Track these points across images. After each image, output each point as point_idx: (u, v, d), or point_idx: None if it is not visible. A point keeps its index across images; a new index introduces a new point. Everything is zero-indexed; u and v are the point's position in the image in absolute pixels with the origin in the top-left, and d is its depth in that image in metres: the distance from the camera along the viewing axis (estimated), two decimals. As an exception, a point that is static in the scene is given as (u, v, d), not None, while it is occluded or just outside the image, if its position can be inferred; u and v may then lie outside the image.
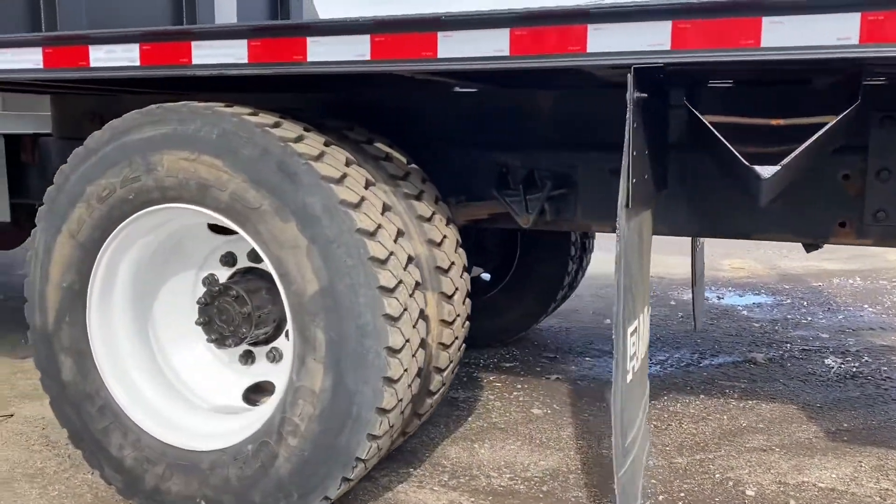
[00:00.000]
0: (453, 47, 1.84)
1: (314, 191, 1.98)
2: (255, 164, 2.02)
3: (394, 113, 2.75)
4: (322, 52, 1.94)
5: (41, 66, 2.27)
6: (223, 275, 2.48)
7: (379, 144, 2.41)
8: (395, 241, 2.08)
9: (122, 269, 2.32)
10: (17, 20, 3.22)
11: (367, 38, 1.90)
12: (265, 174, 2.01)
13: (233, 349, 2.47)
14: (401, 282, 2.04)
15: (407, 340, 2.04)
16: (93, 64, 2.20)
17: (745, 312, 5.15)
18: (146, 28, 2.13)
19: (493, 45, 1.80)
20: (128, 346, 2.39)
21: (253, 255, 2.42)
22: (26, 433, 3.02)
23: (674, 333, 4.59)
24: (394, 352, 1.99)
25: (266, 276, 2.41)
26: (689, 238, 3.96)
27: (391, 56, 1.90)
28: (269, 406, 2.21)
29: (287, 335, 2.41)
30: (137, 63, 2.14)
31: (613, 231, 2.82)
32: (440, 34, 1.82)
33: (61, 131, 3.45)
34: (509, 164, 2.64)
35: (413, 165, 2.47)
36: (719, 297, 5.68)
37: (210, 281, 2.46)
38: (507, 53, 1.79)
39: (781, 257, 7.31)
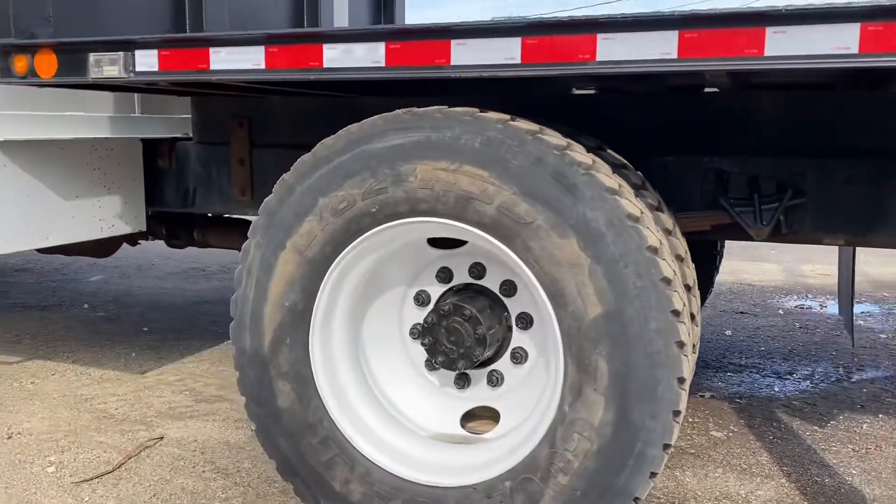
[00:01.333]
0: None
1: (597, 204, 1.79)
2: (527, 175, 1.83)
3: (596, 116, 2.57)
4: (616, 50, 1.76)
5: (262, 66, 2.08)
6: (436, 292, 2.30)
7: (611, 151, 2.23)
8: (673, 258, 1.90)
9: (345, 288, 2.14)
10: (160, 20, 3.03)
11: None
12: (539, 186, 1.82)
13: (445, 372, 2.29)
14: (684, 304, 1.85)
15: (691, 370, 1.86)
16: (326, 64, 2.01)
17: (860, 322, 4.97)
18: (394, 26, 1.94)
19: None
20: (345, 371, 2.21)
21: (476, 272, 2.24)
22: (187, 458, 2.83)
23: (803, 345, 4.40)
24: (682, 382, 1.80)
25: (488, 293, 2.24)
26: (833, 247, 3.79)
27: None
28: (517, 438, 2.02)
29: (514, 357, 2.24)
30: (382, 63, 1.95)
31: (846, 244, 2.66)
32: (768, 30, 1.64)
33: (202, 135, 3.27)
34: (730, 171, 2.46)
35: (639, 173, 2.29)
36: (822, 306, 5.50)
37: (429, 299, 2.28)
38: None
39: (862, 263, 7.12)
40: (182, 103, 3.40)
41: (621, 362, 1.80)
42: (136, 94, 3.20)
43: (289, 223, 2.09)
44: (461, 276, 2.27)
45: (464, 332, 2.12)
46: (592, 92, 2.81)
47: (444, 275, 2.28)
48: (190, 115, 3.39)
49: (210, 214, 3.66)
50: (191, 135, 3.36)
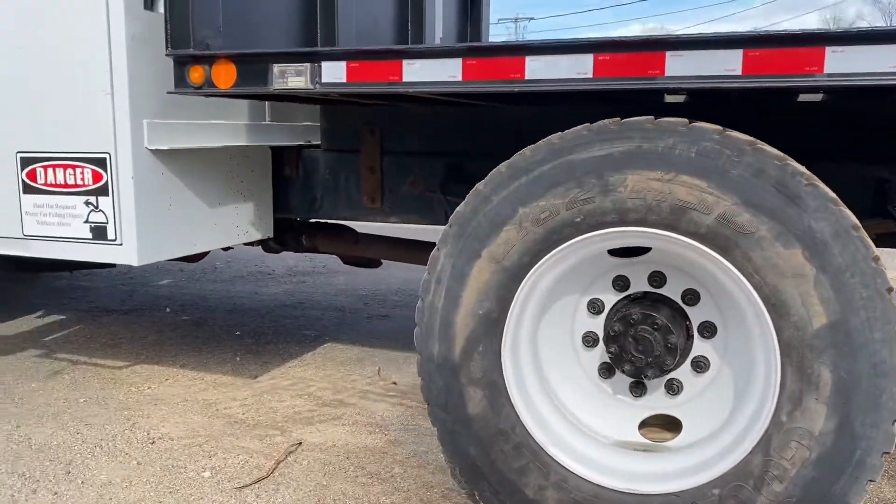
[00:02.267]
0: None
1: (821, 214, 1.81)
2: (749, 185, 1.85)
3: (759, 124, 2.58)
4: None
5: (459, 78, 2.10)
6: (610, 300, 2.32)
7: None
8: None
9: (535, 296, 2.16)
10: (290, 32, 3.05)
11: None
12: (762, 196, 1.84)
13: (619, 380, 2.31)
14: None
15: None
16: (529, 76, 2.03)
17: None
18: (605, 37, 1.96)
19: None
20: (531, 378, 2.23)
21: (657, 280, 2.26)
22: (335, 462, 2.86)
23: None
24: (903, 391, 1.82)
25: (668, 302, 2.26)
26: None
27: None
28: (715, 446, 2.04)
29: (695, 366, 2.25)
30: (590, 75, 1.97)
31: None
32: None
33: (331, 143, 3.30)
34: (892, 179, 2.48)
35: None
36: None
37: (603, 307, 2.30)
38: None
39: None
40: (306, 111, 3.43)
41: (846, 372, 1.81)
42: (266, 103, 3.24)
43: (485, 232, 2.11)
44: (639, 285, 2.28)
45: (653, 341, 2.14)
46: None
47: (621, 283, 2.30)
48: (313, 123, 3.42)
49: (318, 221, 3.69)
50: (314, 142, 3.39)
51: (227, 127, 2.97)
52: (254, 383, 3.74)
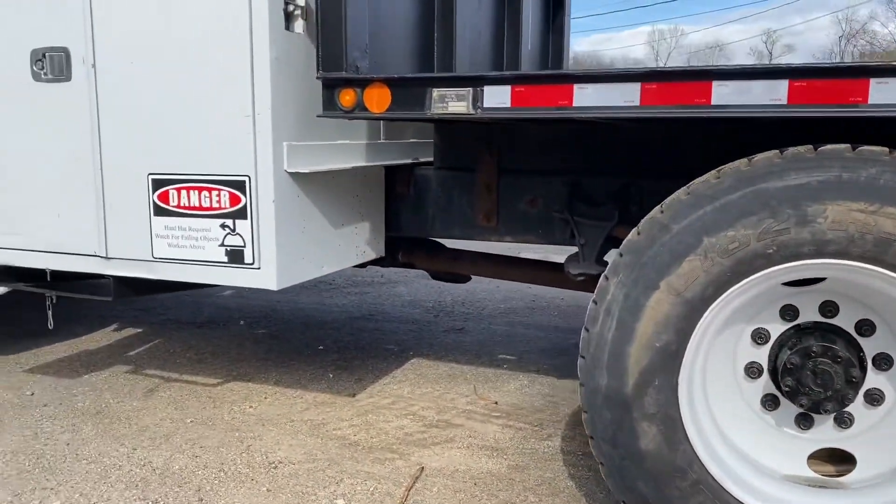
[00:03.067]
0: None
1: None
2: (961, 218, 1.78)
3: None
4: None
5: (636, 103, 2.04)
6: (776, 330, 2.25)
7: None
8: None
9: (712, 327, 2.10)
10: (406, 49, 3.01)
11: None
12: (976, 229, 1.77)
13: (783, 412, 2.24)
14: None
15: None
16: (715, 101, 1.97)
17: None
18: (802, 64, 1.89)
19: None
20: (703, 412, 2.16)
21: (830, 310, 2.19)
22: (465, 490, 2.80)
23: None
24: None
25: (840, 333, 2.19)
26: None
27: None
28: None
29: (869, 399, 2.18)
30: (784, 101, 1.91)
31: None
32: None
33: (446, 161, 3.25)
34: None
35: None
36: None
37: (768, 337, 2.23)
38: None
39: None
40: (415, 128, 3.38)
41: None
42: (381, 122, 3.19)
43: (664, 263, 2.04)
44: (809, 315, 2.21)
45: (834, 374, 2.07)
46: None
47: (790, 313, 2.23)
48: (421, 140, 3.38)
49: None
50: (424, 159, 3.34)
51: (351, 147, 2.93)
52: (354, 402, 3.69)
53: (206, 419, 3.44)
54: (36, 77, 2.81)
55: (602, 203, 2.95)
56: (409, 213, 3.33)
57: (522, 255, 4.34)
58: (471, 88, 2.20)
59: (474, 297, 5.98)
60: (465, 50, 3.20)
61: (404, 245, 3.72)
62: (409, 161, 3.27)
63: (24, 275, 3.05)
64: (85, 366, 4.18)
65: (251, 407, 3.61)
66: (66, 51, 2.74)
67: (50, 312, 3.19)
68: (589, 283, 2.69)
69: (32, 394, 3.74)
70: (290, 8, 2.48)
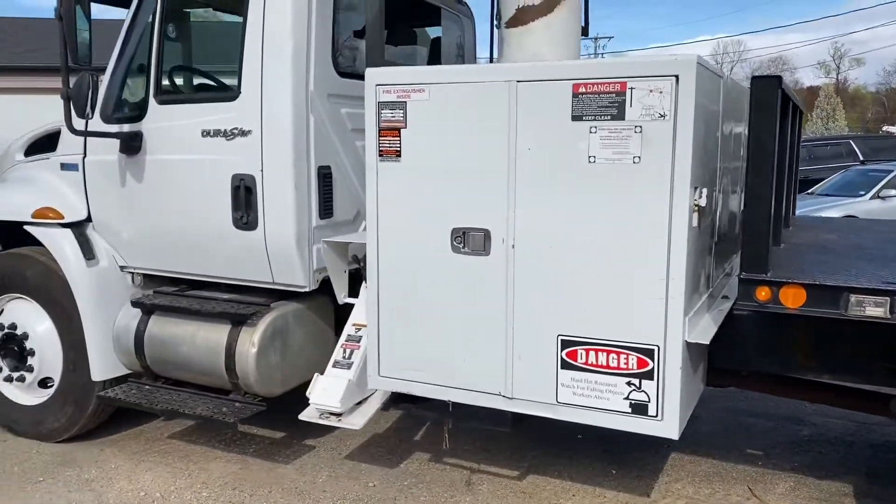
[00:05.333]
0: None
1: None
2: None
3: None
4: None
5: None
6: None
7: None
8: None
9: None
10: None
11: None
12: None
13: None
14: None
15: None
16: None
17: None
18: None
19: None
20: None
21: None
22: None
23: None
24: None
25: None
26: None
27: None
28: None
29: None
30: None
31: None
32: None
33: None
34: None
35: None
36: None
37: None
38: None
39: None
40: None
41: None
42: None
43: None
44: None
45: None
46: None
47: None
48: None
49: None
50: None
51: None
52: (656, 504, 4.21)
53: (543, 518, 4.01)
54: (455, 250, 3.46)
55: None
56: (731, 349, 3.80)
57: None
58: (888, 298, 2.70)
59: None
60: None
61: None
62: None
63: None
64: (397, 456, 4.80)
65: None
66: (486, 232, 3.38)
67: (447, 435, 3.83)
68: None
69: (374, 485, 4.40)
70: (696, 207, 3.04)
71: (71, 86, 4.05)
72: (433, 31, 5.72)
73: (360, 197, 4.48)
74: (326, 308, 4.58)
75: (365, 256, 3.90)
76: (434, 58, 5.42)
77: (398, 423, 5.32)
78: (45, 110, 6.05)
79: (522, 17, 4.05)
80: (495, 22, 4.18)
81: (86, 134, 4.22)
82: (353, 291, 4.23)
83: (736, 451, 4.89)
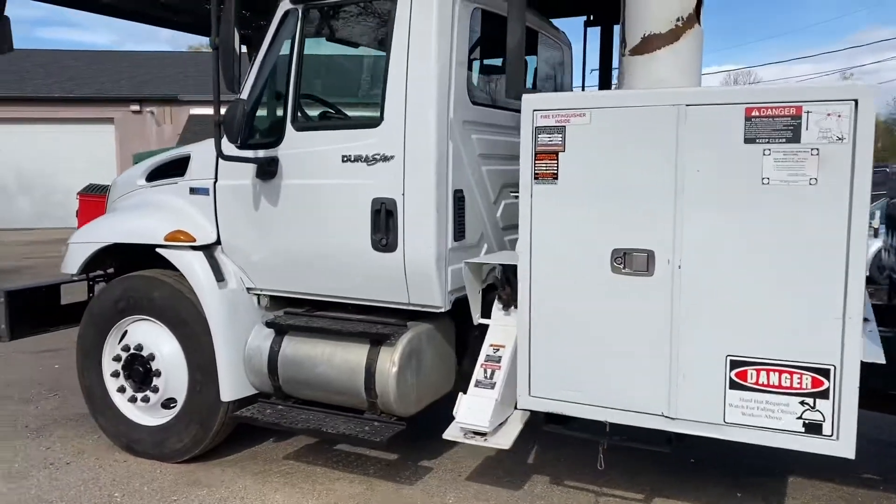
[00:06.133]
0: None
1: None
2: None
3: None
4: None
5: None
6: None
7: None
8: None
9: None
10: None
11: None
12: None
13: None
14: None
15: None
16: None
17: None
18: None
19: None
20: None
21: None
22: None
23: None
24: None
25: None
26: None
27: None
28: None
29: None
30: None
31: None
32: None
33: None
34: None
35: None
36: None
37: None
38: None
39: None
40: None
41: None
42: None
43: None
44: None
45: None
46: None
47: None
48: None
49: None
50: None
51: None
52: None
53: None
54: (615, 270, 3.51)
55: None
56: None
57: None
58: None
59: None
60: None
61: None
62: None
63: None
64: (517, 477, 4.81)
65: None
66: (650, 252, 3.43)
67: (601, 456, 3.85)
68: None
69: (505, 506, 4.41)
70: (872, 229, 3.09)
71: (222, 113, 4.17)
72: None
73: (484, 220, 4.57)
74: (449, 327, 4.64)
75: (497, 277, 4.00)
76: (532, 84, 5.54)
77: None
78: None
79: (648, 45, 4.16)
80: (621, 50, 4.27)
81: (234, 159, 4.33)
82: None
83: (854, 475, 4.86)
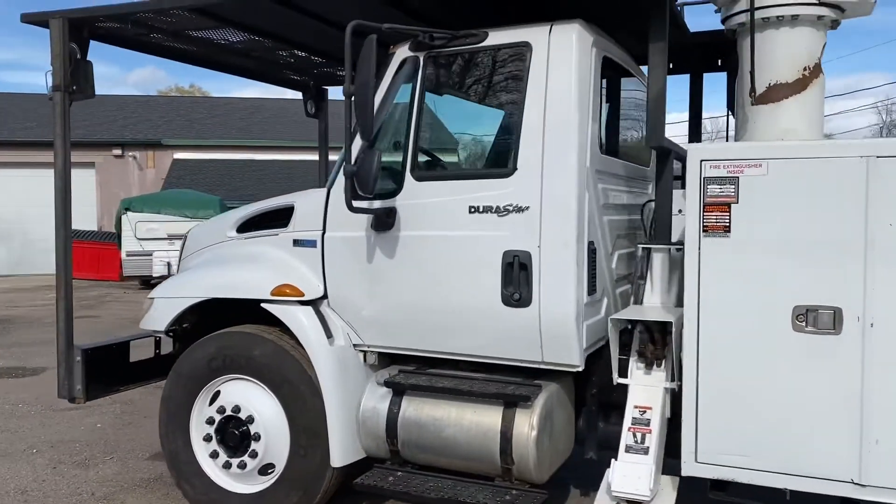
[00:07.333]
0: None
1: None
2: None
3: None
4: None
5: None
6: None
7: None
8: None
9: None
10: None
11: None
12: None
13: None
14: None
15: None
16: None
17: None
18: None
19: None
20: None
21: None
22: None
23: None
24: None
25: None
26: None
27: None
28: None
29: None
30: None
31: None
32: None
33: None
34: None
35: None
36: None
37: None
38: None
39: None
40: None
41: None
42: None
43: None
44: None
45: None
46: None
47: None
48: None
49: None
50: None
51: None
52: None
53: None
54: (796, 328, 3.36)
55: None
56: None
57: None
58: None
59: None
60: None
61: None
62: None
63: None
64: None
65: None
66: (837, 310, 3.29)
67: None
68: None
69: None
70: None
71: (353, 163, 3.96)
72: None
73: (605, 273, 4.40)
74: (572, 386, 4.42)
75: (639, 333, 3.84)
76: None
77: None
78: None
79: (775, 94, 4.08)
80: (748, 98, 4.18)
81: (364, 211, 4.11)
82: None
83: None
